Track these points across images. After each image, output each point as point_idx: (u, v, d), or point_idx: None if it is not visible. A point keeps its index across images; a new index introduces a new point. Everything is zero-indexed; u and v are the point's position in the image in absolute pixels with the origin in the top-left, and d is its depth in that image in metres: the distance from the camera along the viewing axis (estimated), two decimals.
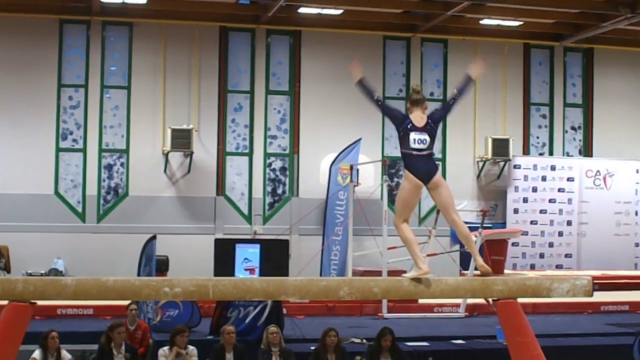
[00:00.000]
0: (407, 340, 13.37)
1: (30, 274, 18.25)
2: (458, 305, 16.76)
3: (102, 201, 20.28)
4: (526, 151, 22.51)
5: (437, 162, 7.55)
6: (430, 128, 7.48)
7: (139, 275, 13.37)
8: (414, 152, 7.42)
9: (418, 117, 7.53)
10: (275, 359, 11.69)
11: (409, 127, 7.45)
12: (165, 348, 11.69)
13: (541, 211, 21.96)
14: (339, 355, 11.79)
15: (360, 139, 20.36)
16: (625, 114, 23.27)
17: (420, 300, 15.91)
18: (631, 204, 22.48)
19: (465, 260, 16.95)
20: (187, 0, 20.34)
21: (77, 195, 20.20)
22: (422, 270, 7.38)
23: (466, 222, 15.05)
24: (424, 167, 7.41)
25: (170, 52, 20.66)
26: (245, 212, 21.00)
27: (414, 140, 7.41)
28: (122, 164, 20.44)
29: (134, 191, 20.40)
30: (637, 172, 22.56)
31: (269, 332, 11.89)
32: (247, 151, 21.10)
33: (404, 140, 7.46)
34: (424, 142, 7.43)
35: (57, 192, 20.08)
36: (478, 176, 22.18)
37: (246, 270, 16.57)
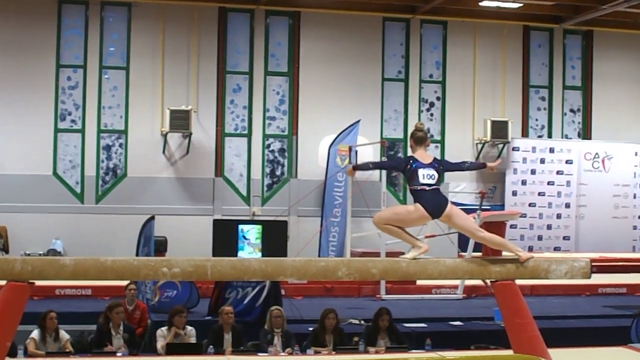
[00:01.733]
0: (405, 322, 13.38)
1: (28, 255, 18.18)
2: (456, 287, 16.78)
3: (100, 182, 20.28)
4: (525, 133, 22.49)
5: (445, 196, 7.57)
6: (436, 166, 7.49)
7: (137, 255, 13.35)
8: (425, 187, 7.41)
9: (422, 155, 7.57)
10: (278, 339, 11.69)
11: (414, 165, 7.47)
12: (164, 328, 11.69)
13: (539, 193, 21.98)
14: (337, 337, 11.80)
15: (359, 121, 20.30)
16: (624, 96, 23.24)
17: (419, 282, 15.93)
18: (629, 186, 22.50)
19: (463, 242, 16.93)
20: None
21: (76, 176, 20.19)
22: (422, 248, 7.40)
23: (464, 204, 15.06)
24: (434, 201, 7.40)
25: (169, 33, 20.59)
26: (244, 193, 21.00)
27: (423, 175, 7.42)
28: (120, 145, 20.41)
29: (133, 172, 20.38)
30: (636, 154, 22.56)
31: (272, 315, 11.86)
32: (245, 132, 21.07)
33: (412, 177, 7.45)
34: (433, 177, 7.44)
35: (55, 173, 20.07)
36: (477, 158, 22.14)
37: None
